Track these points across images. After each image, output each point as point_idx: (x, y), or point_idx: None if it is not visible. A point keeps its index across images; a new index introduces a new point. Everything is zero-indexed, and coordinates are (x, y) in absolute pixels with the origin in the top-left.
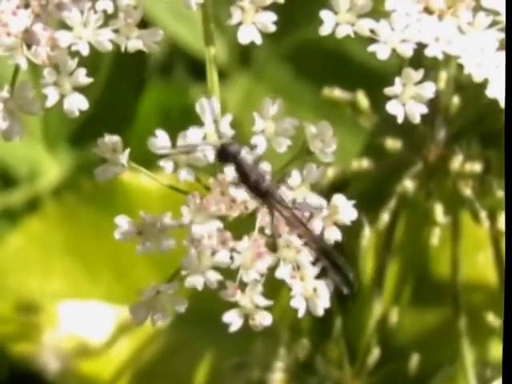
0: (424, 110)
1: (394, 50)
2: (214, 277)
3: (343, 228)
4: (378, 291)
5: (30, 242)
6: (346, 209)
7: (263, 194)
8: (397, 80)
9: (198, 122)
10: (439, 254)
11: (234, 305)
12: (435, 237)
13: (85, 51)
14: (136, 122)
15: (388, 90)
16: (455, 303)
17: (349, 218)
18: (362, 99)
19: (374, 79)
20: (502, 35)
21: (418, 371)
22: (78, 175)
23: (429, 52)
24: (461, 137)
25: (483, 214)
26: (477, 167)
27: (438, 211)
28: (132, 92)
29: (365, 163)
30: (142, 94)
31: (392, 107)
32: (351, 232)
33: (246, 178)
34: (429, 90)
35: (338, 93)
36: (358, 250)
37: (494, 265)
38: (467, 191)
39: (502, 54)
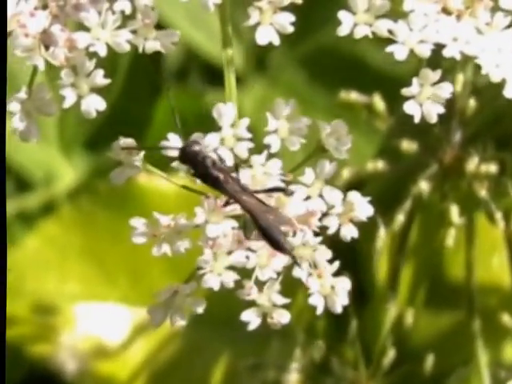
0: (441, 110)
1: (411, 51)
2: (231, 276)
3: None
4: (392, 293)
5: (47, 245)
6: (361, 205)
7: (220, 186)
8: (414, 80)
9: (213, 127)
10: (454, 255)
11: (251, 305)
12: (450, 237)
13: (102, 52)
14: (151, 128)
15: (405, 91)
16: (470, 305)
17: (365, 215)
18: (379, 102)
19: (389, 83)
20: None
21: (432, 372)
22: (94, 179)
23: (447, 52)
24: (476, 139)
25: (498, 215)
26: (492, 168)
27: (454, 212)
28: (148, 97)
29: (380, 165)
30: (157, 100)
31: (409, 107)
32: (366, 234)
33: (198, 170)
34: (446, 90)
35: (354, 96)
36: (373, 252)
37: (508, 266)
38: (482, 192)
39: None
